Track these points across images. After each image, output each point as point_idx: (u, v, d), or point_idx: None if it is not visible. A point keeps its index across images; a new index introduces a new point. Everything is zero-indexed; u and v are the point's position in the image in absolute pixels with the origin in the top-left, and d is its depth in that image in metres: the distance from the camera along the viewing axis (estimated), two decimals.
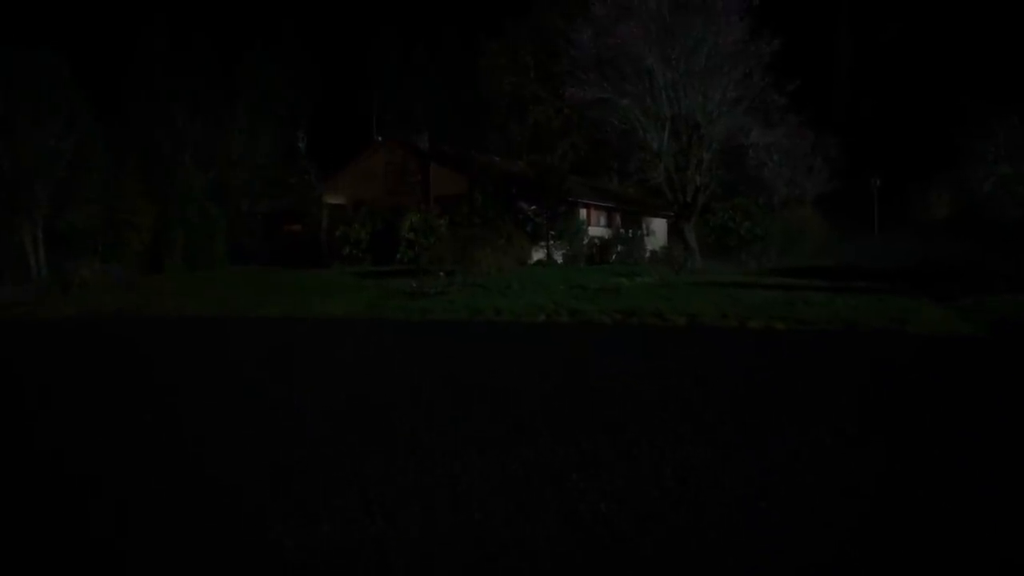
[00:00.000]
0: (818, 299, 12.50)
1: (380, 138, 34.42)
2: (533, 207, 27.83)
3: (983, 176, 33.46)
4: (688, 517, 3.56)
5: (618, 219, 34.20)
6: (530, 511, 3.67)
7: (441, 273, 17.19)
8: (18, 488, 4.52)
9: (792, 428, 5.09)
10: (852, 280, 17.48)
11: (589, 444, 4.80)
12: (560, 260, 27.91)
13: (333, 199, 31.26)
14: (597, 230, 31.74)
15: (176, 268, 29.79)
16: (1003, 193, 32.97)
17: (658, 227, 37.79)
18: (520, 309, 13.02)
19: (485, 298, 14.74)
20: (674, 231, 34.52)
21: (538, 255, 27.35)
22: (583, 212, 31.08)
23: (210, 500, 4.11)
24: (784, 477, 4.09)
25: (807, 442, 4.73)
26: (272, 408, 6.41)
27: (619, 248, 31.05)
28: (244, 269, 28.85)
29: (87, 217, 30.40)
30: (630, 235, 33.18)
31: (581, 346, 9.78)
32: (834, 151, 36.91)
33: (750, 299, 13.04)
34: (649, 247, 32.58)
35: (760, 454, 4.51)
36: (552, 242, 28.05)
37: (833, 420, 5.24)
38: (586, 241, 29.57)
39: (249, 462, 4.83)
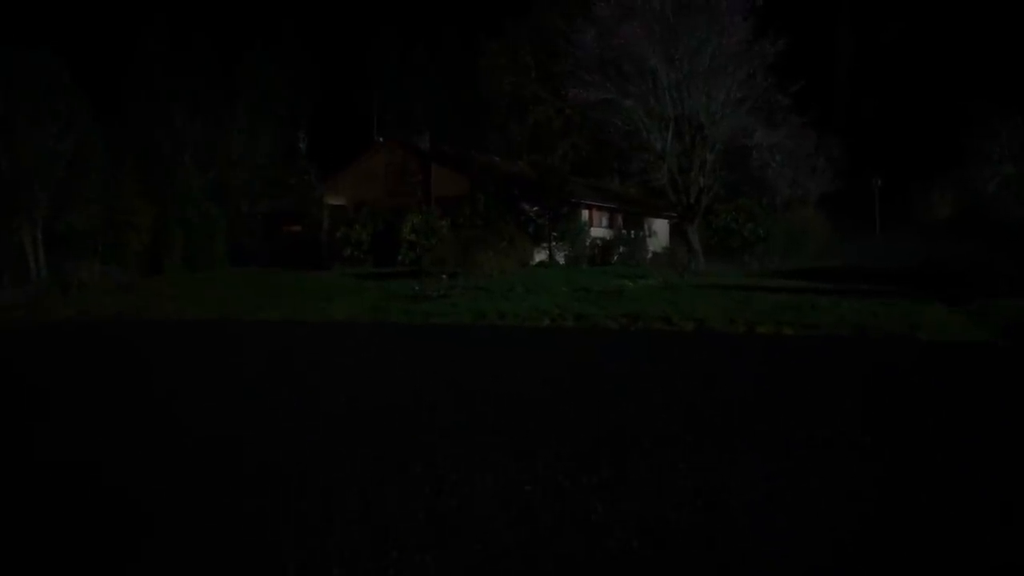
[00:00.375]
0: (825, 303, 12.36)
1: (381, 139, 34.27)
2: (535, 208, 27.67)
3: (987, 176, 33.32)
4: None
5: (620, 220, 34.04)
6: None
7: (444, 276, 17.05)
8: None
9: (800, 435, 4.96)
10: (857, 282, 17.35)
11: (606, 464, 4.66)
12: (562, 261, 27.76)
13: (334, 200, 31.10)
14: (599, 231, 31.58)
15: (176, 269, 29.61)
16: (1008, 193, 32.82)
17: (660, 228, 37.62)
18: (524, 313, 12.88)
19: (488, 301, 14.59)
20: (676, 232, 34.37)
21: (540, 256, 27.20)
22: (585, 213, 30.92)
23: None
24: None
25: (817, 450, 4.61)
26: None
27: (621, 249, 30.88)
28: (244, 270, 28.70)
29: (87, 218, 30.25)
30: (632, 236, 33.02)
31: (588, 352, 9.64)
32: (837, 151, 36.74)
33: (757, 303, 12.90)
34: (651, 248, 32.41)
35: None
36: (554, 243, 27.91)
37: (842, 429, 5.13)
38: (588, 242, 29.42)
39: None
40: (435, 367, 8.66)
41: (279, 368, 9.18)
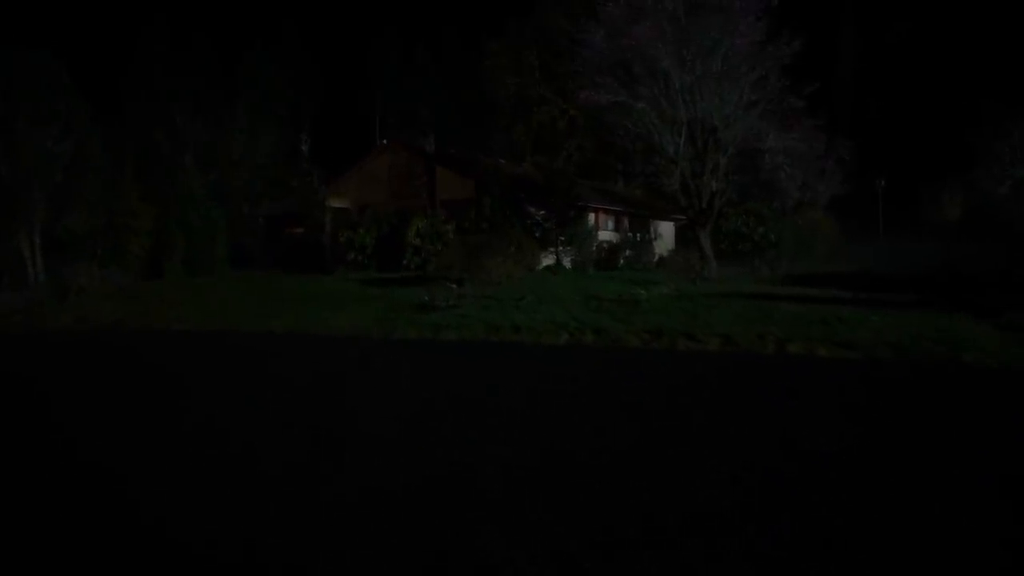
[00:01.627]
0: (852, 315, 11.89)
1: (385, 140, 33.86)
2: (542, 212, 27.26)
3: (998, 178, 32.92)
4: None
5: (625, 222, 33.66)
6: None
7: (453, 285, 16.60)
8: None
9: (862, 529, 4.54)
10: (875, 290, 16.89)
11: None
12: (568, 265, 27.36)
13: (337, 202, 30.68)
14: (605, 234, 31.20)
15: (176, 272, 29.13)
16: (1020, 195, 32.41)
17: (665, 230, 37.25)
18: (540, 327, 12.42)
19: (500, 312, 14.13)
20: (683, 235, 33.96)
21: (547, 260, 26.79)
22: (591, 216, 30.51)
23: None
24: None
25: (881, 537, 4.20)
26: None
27: (627, 252, 30.52)
28: (246, 274, 28.23)
29: (86, 221, 29.80)
30: (638, 239, 32.65)
31: (618, 377, 9.06)
32: (846, 153, 36.35)
33: (778, 314, 12.45)
34: (657, 251, 32.03)
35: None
36: (561, 247, 27.51)
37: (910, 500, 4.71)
38: (595, 246, 29.03)
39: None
40: (447, 389, 8.22)
41: (289, 395, 8.74)
